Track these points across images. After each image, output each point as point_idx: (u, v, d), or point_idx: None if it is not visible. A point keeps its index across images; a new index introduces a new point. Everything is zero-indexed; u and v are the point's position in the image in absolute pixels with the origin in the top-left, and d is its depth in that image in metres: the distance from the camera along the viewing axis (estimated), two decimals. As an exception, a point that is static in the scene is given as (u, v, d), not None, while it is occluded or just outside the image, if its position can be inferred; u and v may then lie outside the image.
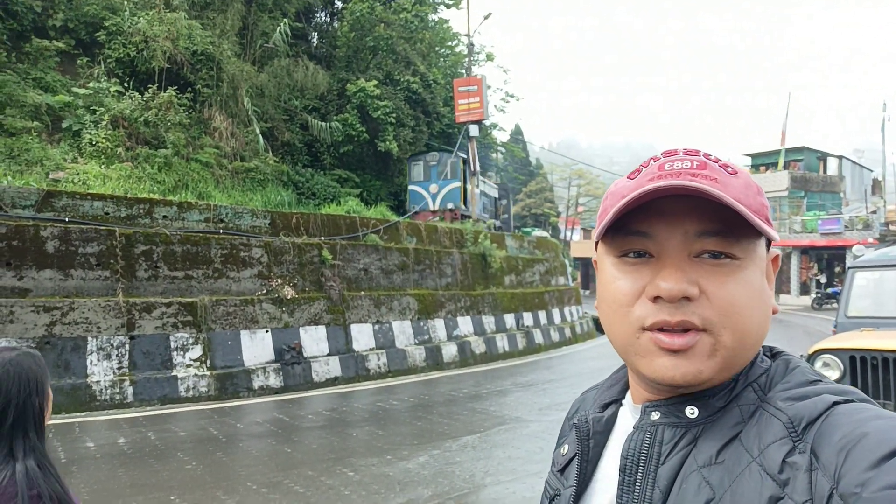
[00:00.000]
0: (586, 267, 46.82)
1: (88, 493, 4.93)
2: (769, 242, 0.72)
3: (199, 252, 9.68)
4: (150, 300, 8.92)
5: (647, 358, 0.67)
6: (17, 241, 8.12)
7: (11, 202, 8.57)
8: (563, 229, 50.64)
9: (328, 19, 23.79)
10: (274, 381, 9.60)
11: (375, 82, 19.57)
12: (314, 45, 22.57)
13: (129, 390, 8.22)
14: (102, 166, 12.03)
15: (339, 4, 23.32)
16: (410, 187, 19.66)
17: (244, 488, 5.14)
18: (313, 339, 10.49)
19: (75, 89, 13.54)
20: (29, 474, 1.36)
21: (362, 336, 11.34)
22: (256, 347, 9.72)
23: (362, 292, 11.73)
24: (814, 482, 0.55)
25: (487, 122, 25.15)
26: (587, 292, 38.39)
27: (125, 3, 15.72)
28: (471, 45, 23.33)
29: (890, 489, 0.50)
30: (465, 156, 20.52)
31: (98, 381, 8.05)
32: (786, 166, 36.55)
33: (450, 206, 18.80)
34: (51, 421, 5.52)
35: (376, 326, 11.67)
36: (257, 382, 9.40)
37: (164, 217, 9.81)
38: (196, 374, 8.83)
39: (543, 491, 0.87)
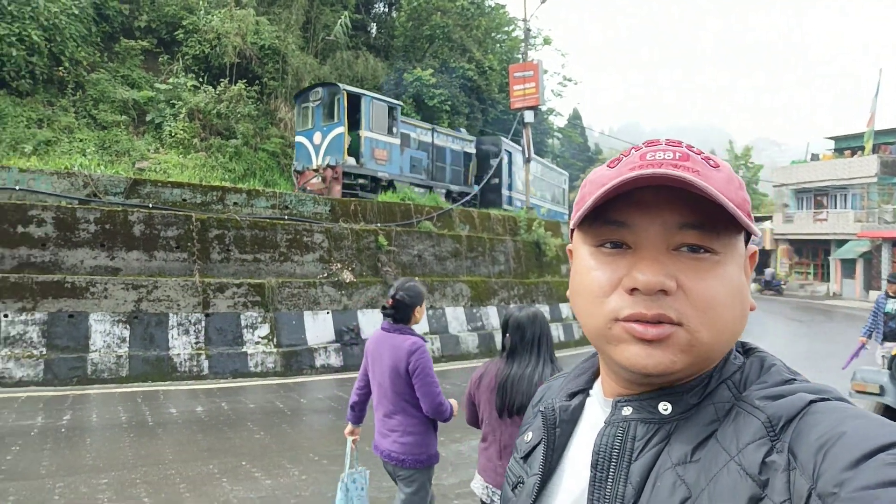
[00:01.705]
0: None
1: (172, 454, 5.57)
2: (748, 238, 0.71)
3: (266, 237, 10.40)
4: (223, 281, 9.69)
5: (621, 346, 0.66)
6: (109, 224, 9.02)
7: (104, 189, 9.50)
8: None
9: (387, 9, 24.24)
10: (334, 360, 10.25)
11: (431, 71, 19.90)
12: (373, 35, 23.09)
13: (205, 364, 9.03)
14: (180, 156, 13.02)
15: (397, -6, 23.72)
16: (296, 139, 14.77)
17: (307, 458, 5.62)
18: (370, 322, 11.07)
19: (157, 85, 14.57)
20: (555, 372, 2.44)
21: (416, 320, 11.83)
22: (318, 328, 10.39)
23: (416, 277, 12.23)
24: (792, 482, 0.55)
25: (544, 108, 25.06)
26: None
27: (200, 2, 16.64)
28: (527, 30, 23.26)
29: (868, 489, 0.49)
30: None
31: (178, 354, 8.88)
32: (875, 150, 32.77)
33: (328, 160, 13.44)
34: (139, 388, 6.32)
35: (429, 311, 12.14)
36: (319, 361, 10.07)
37: (235, 203, 10.59)
38: (264, 351, 9.57)
39: (505, 478, 0.85)
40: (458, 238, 13.44)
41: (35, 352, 7.99)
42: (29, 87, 13.41)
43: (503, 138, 18.99)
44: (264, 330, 9.76)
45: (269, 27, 16.99)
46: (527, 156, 20.11)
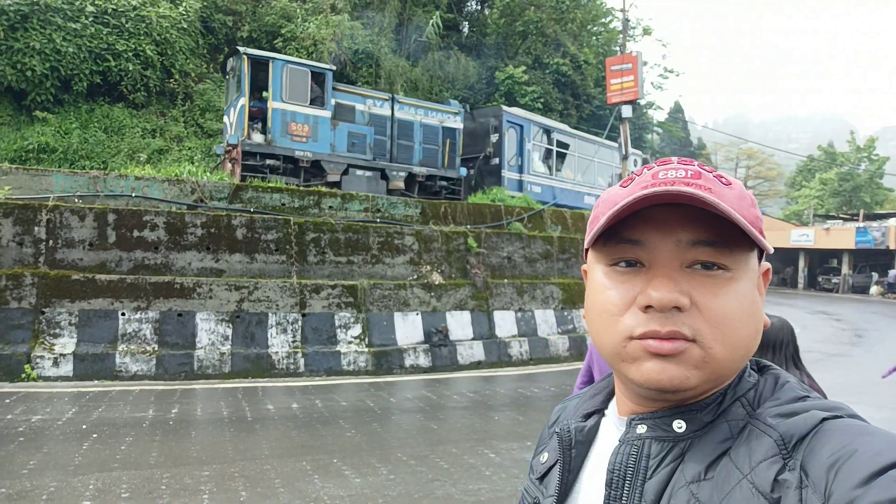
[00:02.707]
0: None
1: (269, 449, 5.78)
2: (761, 255, 0.71)
3: (359, 239, 10.63)
4: (318, 282, 10.01)
5: (636, 364, 0.67)
6: (214, 228, 9.57)
7: (210, 195, 10.10)
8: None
9: (479, 7, 24.18)
10: (423, 360, 10.31)
11: (524, 68, 19.60)
12: (465, 34, 23.12)
13: (301, 361, 9.36)
14: (279, 161, 13.60)
15: (489, -9, 23.58)
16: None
17: (395, 458, 5.66)
18: (458, 324, 11.04)
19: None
20: (803, 379, 2.50)
21: (505, 323, 11.68)
22: (408, 328, 10.49)
23: (505, 280, 12.04)
24: (804, 499, 0.55)
25: (642, 102, 23.99)
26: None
27: (298, 10, 17.37)
28: (625, 20, 22.35)
29: None
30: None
31: (277, 352, 9.27)
32: None
33: (228, 138, 11.83)
34: (239, 384, 6.57)
35: (519, 314, 11.93)
36: (408, 361, 10.16)
37: (330, 207, 10.91)
38: (356, 351, 9.78)
39: (521, 498, 0.86)
40: (549, 239, 13.11)
41: (148, 348, 8.63)
42: (144, 99, 14.57)
43: (504, 108, 15.77)
44: (356, 330, 9.97)
45: (362, 31, 17.43)
46: (624, 152, 19.32)
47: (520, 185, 15.58)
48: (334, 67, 12.91)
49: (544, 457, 0.83)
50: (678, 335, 0.64)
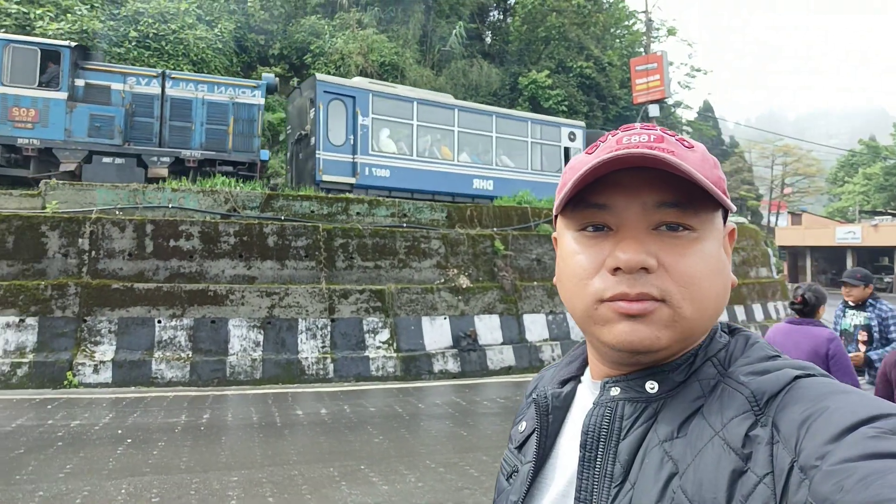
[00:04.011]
0: (794, 257, 41.57)
1: (297, 455, 5.78)
2: (726, 216, 0.73)
3: (386, 244, 10.68)
4: (347, 287, 10.08)
5: (608, 326, 0.68)
6: (246, 236, 9.75)
7: (242, 204, 10.31)
8: (765, 214, 45.36)
9: (501, 16, 24.24)
10: (452, 365, 10.26)
11: (547, 72, 19.55)
12: (487, 43, 23.18)
13: (331, 367, 9.41)
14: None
15: (511, 0, 23.62)
16: None
17: (423, 465, 5.59)
18: (487, 328, 10.96)
19: (289, 107, 15.73)
20: None
21: (535, 326, 11.55)
22: (436, 333, 10.46)
23: (535, 282, 11.93)
24: (775, 455, 0.56)
25: (670, 101, 23.65)
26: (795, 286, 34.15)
27: (326, 27, 17.73)
28: (649, 22, 22.11)
29: (849, 462, 0.50)
30: None
31: (306, 358, 9.35)
32: None
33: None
34: (270, 390, 6.62)
35: (550, 317, 11.79)
36: (437, 366, 10.12)
37: (358, 213, 11.01)
38: (384, 356, 9.80)
39: (500, 468, 0.87)
40: (578, 241, 12.95)
41: (183, 354, 8.80)
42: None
43: (320, 77, 13.04)
44: (385, 335, 9.99)
45: (387, 44, 17.67)
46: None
47: (353, 169, 12.87)
48: (73, 44, 11.28)
49: (522, 426, 0.84)
50: (647, 296, 0.66)
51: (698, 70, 28.91)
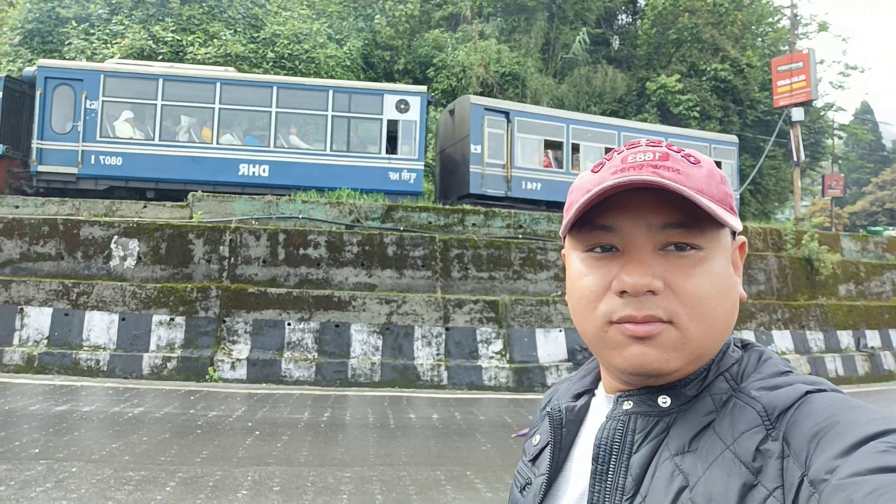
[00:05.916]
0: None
1: (407, 456, 5.97)
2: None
3: (500, 255, 10.72)
4: (461, 297, 10.23)
5: (618, 349, 0.68)
6: (368, 246, 10.26)
7: (365, 215, 10.87)
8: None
9: (630, 20, 23.43)
10: (566, 380, 10.02)
11: (677, 76, 18.58)
12: (614, 48, 22.50)
13: (444, 374, 9.59)
14: (429, 182, 14.27)
15: (641, 2, 22.76)
16: None
17: (529, 475, 5.58)
18: (605, 343, 10.58)
19: None
20: None
21: (657, 343, 10.96)
22: (550, 345, 10.29)
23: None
24: (785, 468, 0.56)
25: (819, 103, 21.45)
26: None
27: (448, 40, 18.22)
28: (794, 16, 20.23)
29: (858, 476, 0.50)
30: None
31: (422, 364, 9.61)
32: None
33: None
34: (387, 393, 6.85)
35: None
36: (550, 379, 9.94)
37: (473, 224, 11.15)
38: (497, 366, 9.81)
39: (514, 480, 0.87)
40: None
41: (309, 356, 9.42)
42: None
43: (41, 62, 12.03)
44: (498, 345, 10.00)
45: (509, 54, 17.77)
46: (796, 159, 17.39)
47: (76, 157, 11.65)
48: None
49: (536, 438, 0.85)
50: (653, 318, 0.66)
51: (853, 68, 25.78)
